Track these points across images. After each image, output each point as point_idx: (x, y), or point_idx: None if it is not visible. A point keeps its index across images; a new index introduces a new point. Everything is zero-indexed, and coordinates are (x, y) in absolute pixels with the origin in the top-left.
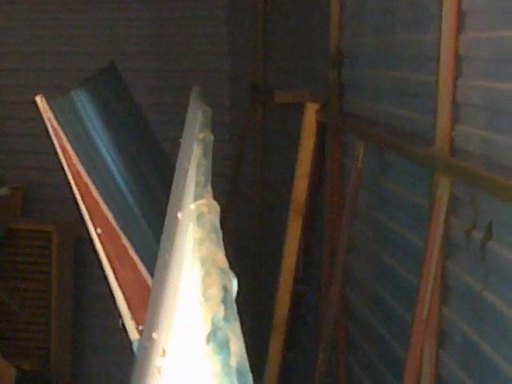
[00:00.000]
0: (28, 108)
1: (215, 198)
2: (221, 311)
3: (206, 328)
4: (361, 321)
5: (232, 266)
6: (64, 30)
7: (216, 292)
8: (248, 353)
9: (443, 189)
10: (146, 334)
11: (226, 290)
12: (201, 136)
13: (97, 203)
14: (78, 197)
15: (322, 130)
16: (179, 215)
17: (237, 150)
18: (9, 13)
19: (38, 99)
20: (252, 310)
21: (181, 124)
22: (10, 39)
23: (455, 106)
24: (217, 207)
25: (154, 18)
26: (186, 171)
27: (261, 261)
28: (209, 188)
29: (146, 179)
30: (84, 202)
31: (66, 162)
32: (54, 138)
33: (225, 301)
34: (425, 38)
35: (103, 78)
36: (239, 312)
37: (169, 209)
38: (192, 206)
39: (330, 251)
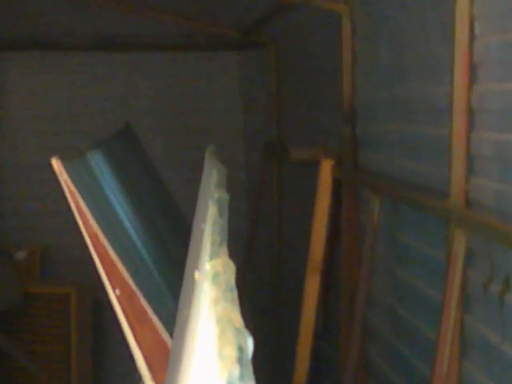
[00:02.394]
0: (43, 170)
1: (231, 256)
2: (236, 370)
3: None
4: (381, 376)
5: (248, 325)
6: (78, 91)
7: (231, 351)
8: None
9: (459, 242)
10: None
11: (241, 349)
12: (216, 195)
13: (114, 264)
14: (96, 258)
15: (337, 185)
16: (196, 275)
17: (253, 207)
18: (24, 75)
19: (54, 161)
20: (272, 367)
21: (196, 182)
22: (25, 102)
23: (469, 158)
24: (232, 266)
25: (167, 75)
26: (202, 231)
27: (279, 317)
28: (224, 247)
29: (162, 238)
30: (102, 263)
31: (83, 223)
32: (70, 199)
33: (240, 360)
34: (437, 91)
35: (118, 139)
36: (255, 371)
37: (186, 269)
38: (207, 266)
39: (348, 306)
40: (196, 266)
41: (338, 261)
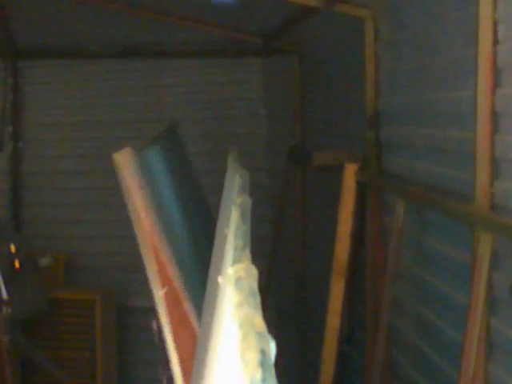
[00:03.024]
0: (67, 177)
1: (255, 261)
2: (258, 374)
3: None
4: (407, 380)
5: (271, 329)
6: (102, 98)
7: (254, 355)
8: None
9: (484, 245)
10: None
11: (263, 353)
12: (238, 200)
13: (166, 262)
14: (149, 252)
15: (361, 189)
16: (219, 279)
17: (276, 212)
18: (48, 83)
19: (118, 155)
20: (298, 372)
21: (220, 188)
22: (49, 110)
23: (494, 162)
24: (255, 271)
25: (190, 83)
26: (225, 235)
27: (304, 322)
28: (247, 252)
29: (199, 239)
30: (154, 259)
31: (139, 218)
32: (129, 193)
33: (263, 364)
34: (461, 95)
35: (169, 136)
36: (281, 375)
37: (210, 273)
38: (230, 271)
39: (373, 310)
40: (219, 271)
41: (363, 265)
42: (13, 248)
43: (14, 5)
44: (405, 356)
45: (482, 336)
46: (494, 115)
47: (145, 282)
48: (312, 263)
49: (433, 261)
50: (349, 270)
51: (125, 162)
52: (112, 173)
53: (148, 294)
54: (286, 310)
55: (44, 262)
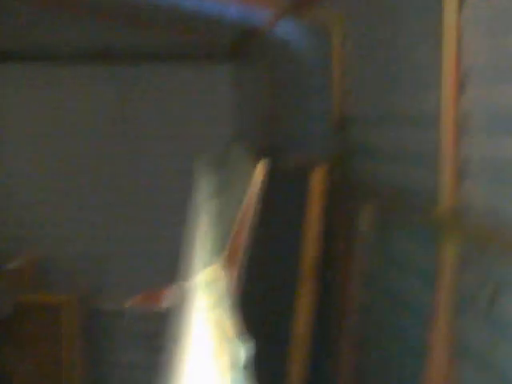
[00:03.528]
0: (35, 178)
1: (223, 264)
2: (229, 376)
3: None
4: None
5: (242, 332)
6: (72, 102)
7: (225, 357)
8: None
9: (450, 248)
10: None
11: (234, 357)
12: (207, 205)
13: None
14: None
15: (328, 194)
16: (192, 284)
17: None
18: (18, 88)
19: (262, 163)
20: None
21: (188, 190)
22: (19, 113)
23: (459, 165)
24: (223, 274)
25: (161, 87)
26: (196, 239)
27: (272, 328)
28: (216, 256)
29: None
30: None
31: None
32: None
33: (234, 366)
34: (426, 100)
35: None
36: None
37: (182, 276)
38: (200, 275)
39: (341, 315)
40: (192, 275)
41: (331, 271)
42: None
43: None
44: (374, 361)
45: (449, 340)
46: (460, 118)
47: (116, 284)
48: (280, 267)
49: (400, 264)
50: (317, 275)
51: (264, 169)
52: (83, 175)
53: (118, 296)
54: (256, 314)
55: (12, 264)
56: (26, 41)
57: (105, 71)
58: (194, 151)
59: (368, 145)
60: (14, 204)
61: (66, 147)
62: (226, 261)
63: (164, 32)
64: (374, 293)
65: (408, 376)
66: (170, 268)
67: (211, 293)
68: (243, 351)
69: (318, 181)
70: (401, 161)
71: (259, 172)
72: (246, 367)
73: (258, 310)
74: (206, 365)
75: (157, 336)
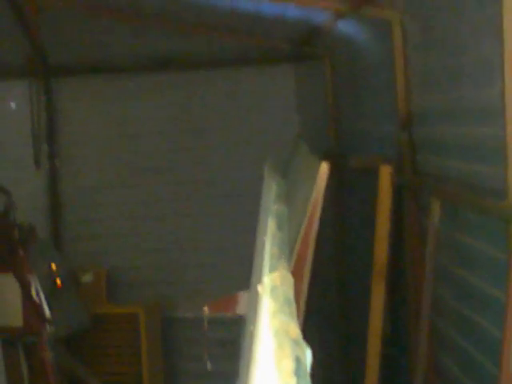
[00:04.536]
0: (104, 192)
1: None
2: (293, 382)
3: None
4: (451, 379)
5: (309, 336)
6: (136, 112)
7: (289, 364)
8: None
9: None
10: None
11: (298, 361)
12: (274, 209)
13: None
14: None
15: (398, 191)
16: (259, 288)
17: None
18: (83, 100)
19: (324, 164)
20: (343, 376)
21: (258, 197)
22: (84, 126)
23: None
24: (290, 279)
25: (224, 92)
26: (263, 244)
27: (348, 326)
28: (283, 260)
29: None
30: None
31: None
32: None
33: (297, 372)
34: (490, 92)
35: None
36: (323, 380)
37: (252, 281)
38: (265, 279)
39: (415, 311)
40: (259, 280)
41: (404, 266)
42: (54, 266)
43: (43, 23)
44: (448, 356)
45: None
46: None
47: (188, 293)
48: (352, 266)
49: (470, 259)
50: (389, 272)
51: (327, 172)
52: (150, 186)
53: (191, 304)
54: (329, 314)
55: (85, 278)
56: (87, 54)
57: (167, 80)
58: (261, 156)
59: (435, 140)
60: (83, 218)
61: (133, 158)
62: (293, 264)
63: (224, 37)
64: (447, 289)
65: (484, 371)
66: (244, 274)
67: (276, 298)
68: (309, 354)
69: (385, 179)
70: (468, 155)
71: (322, 174)
72: (310, 372)
73: (334, 312)
74: (269, 371)
75: (233, 343)
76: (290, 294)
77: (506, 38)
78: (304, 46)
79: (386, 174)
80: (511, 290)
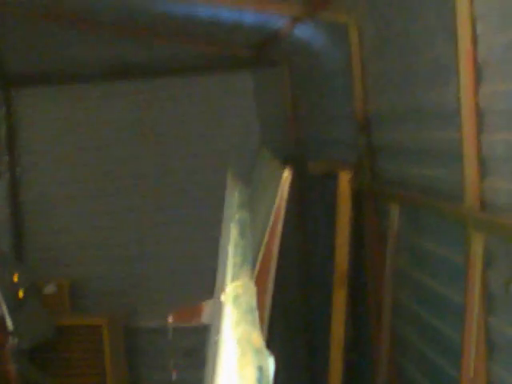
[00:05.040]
0: (66, 203)
1: (253, 277)
2: None
3: None
4: (413, 383)
5: (271, 345)
6: (95, 121)
7: (251, 372)
8: None
9: (477, 244)
10: None
11: (261, 369)
12: (237, 216)
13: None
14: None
15: (357, 196)
16: (222, 297)
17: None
18: (40, 110)
19: (287, 171)
20: (307, 381)
21: (219, 204)
22: (43, 136)
23: (481, 160)
24: (253, 287)
25: (184, 99)
26: (227, 253)
27: (311, 331)
28: (246, 268)
29: None
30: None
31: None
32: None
33: (260, 380)
34: (445, 95)
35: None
36: None
37: (215, 291)
38: (228, 288)
39: (376, 316)
40: (222, 289)
41: (364, 271)
42: (16, 277)
43: (0, 33)
44: (409, 360)
45: (480, 335)
46: (479, 113)
47: (152, 303)
48: (315, 272)
49: (429, 262)
50: (351, 278)
51: (288, 179)
52: (112, 195)
53: (155, 314)
54: (292, 321)
55: (48, 289)
56: (46, 63)
57: (127, 87)
58: (224, 162)
59: (392, 144)
60: (45, 228)
61: (95, 167)
62: (256, 273)
63: (183, 44)
64: (407, 292)
65: (444, 374)
66: (208, 283)
67: (239, 306)
68: (272, 362)
69: (344, 186)
70: (425, 159)
71: (285, 180)
72: (272, 380)
73: (289, 319)
74: (232, 379)
75: (198, 352)
76: (253, 302)
77: (460, 38)
78: (262, 51)
79: (344, 180)
80: (469, 294)
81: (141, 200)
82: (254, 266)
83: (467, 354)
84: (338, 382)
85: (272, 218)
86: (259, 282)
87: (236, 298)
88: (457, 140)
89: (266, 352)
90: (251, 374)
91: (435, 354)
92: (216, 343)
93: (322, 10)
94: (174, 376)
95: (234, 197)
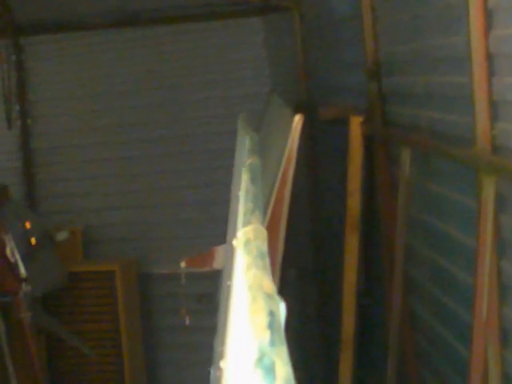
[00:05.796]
0: (78, 151)
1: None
2: (267, 337)
3: (254, 354)
4: (425, 327)
5: (283, 290)
6: (105, 69)
7: (262, 317)
8: (307, 370)
9: (488, 188)
10: (216, 364)
11: (272, 314)
12: (248, 162)
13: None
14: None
15: (368, 141)
16: (234, 242)
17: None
18: (51, 58)
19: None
20: (319, 328)
21: (230, 151)
22: (54, 84)
23: (492, 104)
24: (264, 232)
25: (193, 47)
26: (238, 199)
27: (324, 278)
28: (257, 214)
29: None
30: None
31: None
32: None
33: (271, 326)
34: (456, 40)
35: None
36: (297, 332)
37: (228, 236)
38: (239, 233)
39: (389, 261)
40: (234, 234)
41: (376, 217)
42: (28, 225)
43: None
44: (422, 304)
45: (493, 279)
46: (489, 57)
47: (165, 249)
48: (327, 219)
49: (441, 206)
50: (362, 224)
51: (299, 125)
52: (123, 143)
53: (167, 260)
54: (305, 268)
55: (60, 236)
56: (56, 11)
57: (136, 35)
58: (234, 110)
59: (403, 90)
60: (57, 176)
61: (105, 115)
62: (268, 218)
63: None
64: (419, 237)
65: (457, 318)
66: (220, 229)
67: (250, 252)
68: (283, 308)
69: (356, 130)
70: (435, 103)
71: (296, 125)
72: (284, 326)
73: (301, 266)
74: (243, 325)
75: (210, 297)
76: (264, 247)
77: None
78: None
79: (355, 124)
80: (481, 238)
81: (152, 148)
82: (265, 211)
83: (480, 297)
84: (351, 326)
85: (283, 163)
86: (271, 227)
87: (247, 243)
88: (468, 84)
89: (277, 297)
90: (262, 320)
91: (448, 297)
92: (228, 288)
93: None
94: (187, 321)
95: (244, 143)
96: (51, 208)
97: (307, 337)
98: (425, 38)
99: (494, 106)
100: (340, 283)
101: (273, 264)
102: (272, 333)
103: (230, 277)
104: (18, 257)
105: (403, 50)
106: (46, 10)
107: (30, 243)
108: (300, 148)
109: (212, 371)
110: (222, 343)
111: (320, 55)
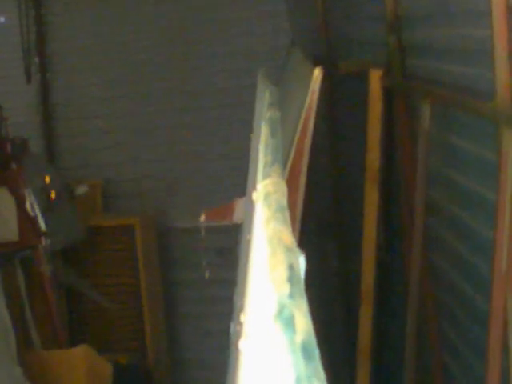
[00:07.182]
0: (98, 104)
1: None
2: (286, 289)
3: (273, 307)
4: (445, 280)
5: (303, 244)
6: (125, 21)
7: (282, 271)
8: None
9: (509, 141)
10: (236, 317)
11: (292, 268)
12: (267, 115)
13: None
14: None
15: (388, 95)
16: (253, 195)
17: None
18: (69, 10)
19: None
20: (339, 282)
21: (249, 107)
22: (73, 36)
23: None
24: (283, 185)
25: (212, 2)
26: (258, 152)
27: (344, 232)
28: (277, 167)
29: None
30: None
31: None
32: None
33: (291, 279)
34: None
35: None
36: (316, 285)
37: (247, 189)
38: (258, 186)
39: (408, 216)
40: (253, 187)
41: (396, 171)
42: (48, 179)
43: None
44: (442, 257)
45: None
46: (510, 11)
47: (184, 203)
48: (346, 173)
49: (461, 160)
50: (382, 177)
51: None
52: (143, 97)
53: (187, 214)
54: (324, 221)
55: (80, 190)
56: None
57: None
58: (254, 64)
59: (424, 43)
60: (76, 130)
61: (124, 69)
62: (288, 171)
63: None
64: (438, 191)
65: (477, 271)
66: (239, 183)
67: (269, 205)
68: (303, 261)
69: (375, 83)
70: (456, 57)
71: (316, 78)
72: (304, 279)
73: (320, 221)
74: (263, 278)
75: (230, 251)
76: (283, 200)
77: None
78: None
79: (375, 78)
80: (501, 191)
81: (172, 101)
82: (285, 164)
83: (499, 250)
84: (370, 281)
85: (303, 115)
86: (290, 180)
87: (267, 196)
88: (488, 37)
89: (297, 250)
90: (282, 273)
91: (468, 251)
92: (248, 242)
93: None
94: (207, 275)
95: (264, 96)
96: (70, 162)
97: (328, 290)
98: None
99: None
100: (360, 237)
101: (292, 217)
102: (292, 286)
103: (249, 230)
104: (37, 211)
105: (423, 3)
106: None
107: (49, 197)
108: (320, 101)
109: (232, 325)
110: (242, 297)
111: (340, 8)
